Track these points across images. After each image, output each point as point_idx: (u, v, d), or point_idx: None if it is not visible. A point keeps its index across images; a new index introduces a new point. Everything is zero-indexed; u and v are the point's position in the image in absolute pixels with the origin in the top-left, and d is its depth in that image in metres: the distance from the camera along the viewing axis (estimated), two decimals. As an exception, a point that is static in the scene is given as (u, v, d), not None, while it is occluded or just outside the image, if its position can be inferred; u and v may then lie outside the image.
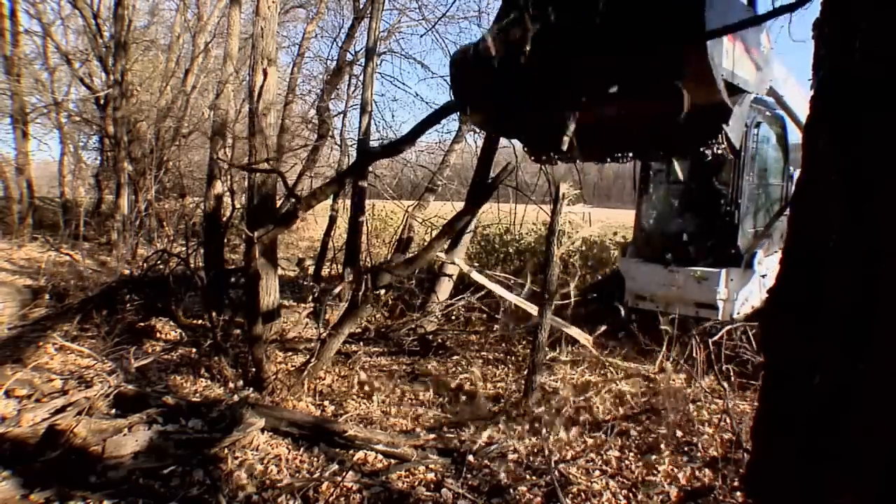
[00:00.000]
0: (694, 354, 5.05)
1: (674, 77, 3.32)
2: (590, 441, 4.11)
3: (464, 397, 5.17)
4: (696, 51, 3.20)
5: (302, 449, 3.96)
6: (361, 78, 9.04)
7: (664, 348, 5.58)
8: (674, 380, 5.38)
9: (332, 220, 10.17)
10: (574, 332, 6.04)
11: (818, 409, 1.19)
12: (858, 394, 1.12)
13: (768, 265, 6.20)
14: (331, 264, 10.65)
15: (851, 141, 1.17)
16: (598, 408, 4.70)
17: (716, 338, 4.93)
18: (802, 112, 6.51)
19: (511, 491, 3.39)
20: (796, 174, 6.63)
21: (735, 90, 3.60)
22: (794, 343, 1.29)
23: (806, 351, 1.24)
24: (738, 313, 5.92)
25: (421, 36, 23.58)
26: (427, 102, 20.99)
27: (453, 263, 7.48)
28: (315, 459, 3.85)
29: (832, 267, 1.19)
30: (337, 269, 10.07)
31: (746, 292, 6.05)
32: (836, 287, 1.18)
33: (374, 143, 8.83)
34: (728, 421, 3.96)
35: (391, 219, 13.67)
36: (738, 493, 3.30)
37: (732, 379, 4.87)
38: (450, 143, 9.55)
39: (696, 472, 3.64)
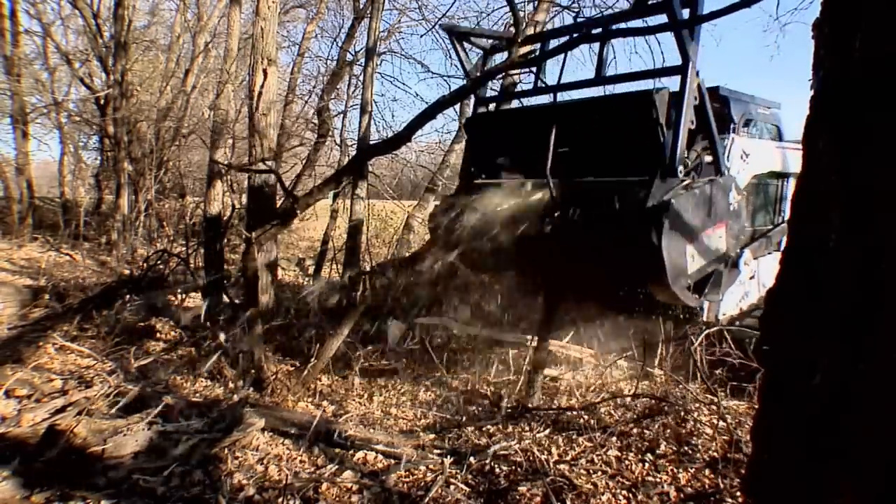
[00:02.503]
0: (686, 355, 5.04)
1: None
2: (590, 441, 4.10)
3: (464, 397, 5.17)
4: (658, 283, 3.47)
5: (302, 449, 3.96)
6: (361, 78, 9.06)
7: (661, 349, 5.58)
8: (672, 380, 5.38)
9: (332, 220, 10.18)
10: (574, 350, 6.02)
11: (818, 409, 1.19)
12: (858, 394, 1.12)
13: (755, 267, 6.19)
14: (331, 264, 10.64)
15: (851, 141, 1.17)
16: (598, 408, 4.70)
17: (698, 342, 4.92)
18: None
19: (511, 491, 3.39)
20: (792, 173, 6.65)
21: (709, 275, 3.86)
22: (794, 343, 1.29)
23: (806, 351, 1.24)
24: (724, 314, 5.90)
25: (421, 36, 23.63)
26: (427, 102, 20.96)
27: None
28: (315, 459, 3.85)
29: (832, 267, 1.19)
30: (337, 269, 10.07)
31: (737, 293, 6.04)
32: (836, 287, 1.18)
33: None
34: (727, 422, 3.96)
35: (391, 219, 13.67)
36: (739, 494, 3.30)
37: (723, 379, 4.85)
38: (450, 143, 9.58)
39: (697, 473, 3.64)
